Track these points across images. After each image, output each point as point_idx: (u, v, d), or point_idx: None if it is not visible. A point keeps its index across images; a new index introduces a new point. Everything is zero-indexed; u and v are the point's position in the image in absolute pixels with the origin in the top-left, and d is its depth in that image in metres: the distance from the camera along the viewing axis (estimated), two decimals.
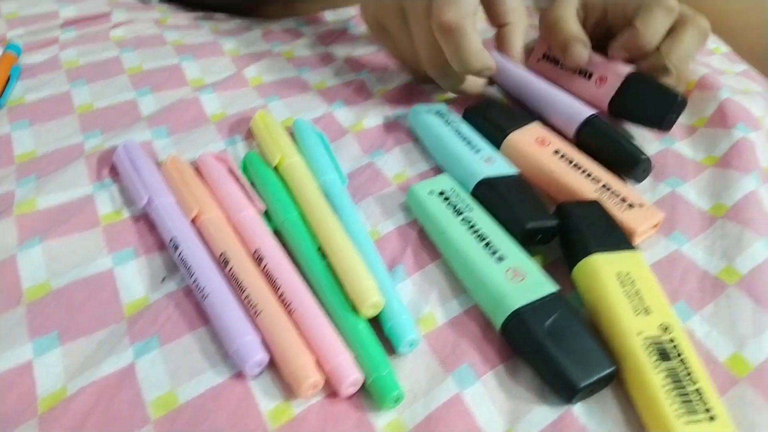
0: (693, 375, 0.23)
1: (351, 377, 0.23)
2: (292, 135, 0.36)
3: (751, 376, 0.25)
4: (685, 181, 0.35)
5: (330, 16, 0.53)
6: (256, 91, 0.40)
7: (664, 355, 0.24)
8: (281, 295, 0.26)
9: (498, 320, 0.26)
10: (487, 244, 0.28)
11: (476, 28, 0.34)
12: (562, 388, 0.24)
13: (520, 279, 0.26)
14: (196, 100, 0.39)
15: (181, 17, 0.50)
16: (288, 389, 0.23)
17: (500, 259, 0.27)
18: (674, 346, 0.24)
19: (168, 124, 0.36)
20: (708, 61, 0.48)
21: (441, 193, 0.31)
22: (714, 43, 0.52)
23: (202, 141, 0.36)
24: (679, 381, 0.23)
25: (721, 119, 0.39)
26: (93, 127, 0.36)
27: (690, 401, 0.22)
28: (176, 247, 0.28)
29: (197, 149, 0.35)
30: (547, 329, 0.24)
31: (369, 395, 0.24)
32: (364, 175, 0.34)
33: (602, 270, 0.27)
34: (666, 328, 0.25)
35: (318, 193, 0.31)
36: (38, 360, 0.24)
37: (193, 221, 0.29)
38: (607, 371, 0.24)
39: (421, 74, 0.40)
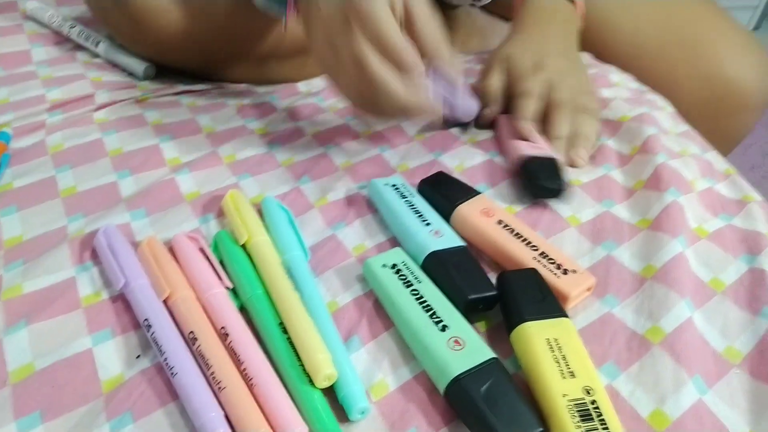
0: None
1: None
2: (261, 212, 0.39)
3: (669, 430, 0.28)
4: (620, 244, 0.38)
5: (303, 87, 0.57)
6: (229, 169, 0.44)
7: (585, 416, 0.26)
8: (244, 369, 0.28)
9: (441, 385, 0.28)
10: (432, 315, 0.31)
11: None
12: None
13: (460, 348, 0.29)
14: (173, 180, 0.42)
15: (162, 94, 0.54)
16: None
17: (444, 328, 0.30)
18: (596, 408, 0.27)
19: (146, 206, 0.39)
20: (656, 117, 0.52)
21: (393, 266, 0.34)
22: (662, 102, 0.56)
23: (177, 220, 0.39)
24: None
25: (655, 183, 0.43)
26: (76, 211, 0.39)
27: None
28: (149, 327, 0.30)
29: (173, 228, 0.38)
30: (483, 394, 0.27)
31: None
32: (326, 247, 0.37)
33: (533, 337, 0.30)
34: (589, 391, 0.27)
35: (281, 270, 0.34)
36: None
37: (165, 302, 0.32)
38: None
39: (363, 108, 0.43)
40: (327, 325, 0.31)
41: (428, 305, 0.32)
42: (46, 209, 0.39)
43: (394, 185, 0.41)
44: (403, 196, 0.40)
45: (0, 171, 0.42)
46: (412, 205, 0.39)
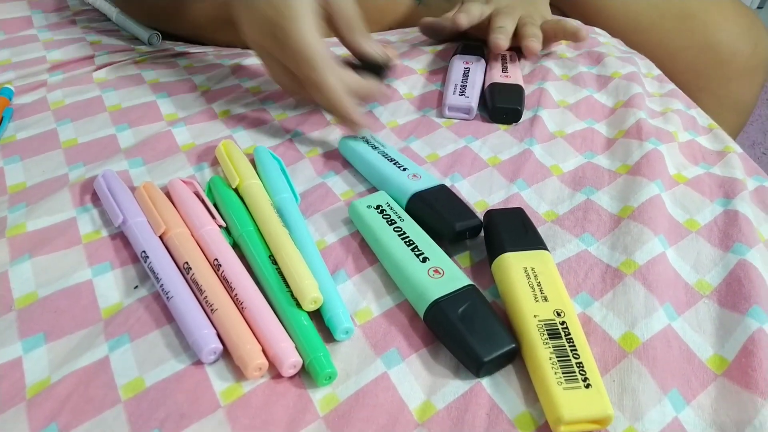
0: (577, 351, 0.27)
1: (290, 359, 0.27)
2: (253, 162, 0.40)
3: (638, 350, 0.29)
4: (599, 189, 0.40)
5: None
6: (223, 123, 0.45)
7: (553, 334, 0.28)
8: (235, 295, 0.30)
9: (421, 309, 0.30)
10: (413, 248, 0.32)
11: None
12: (470, 362, 0.28)
13: (440, 276, 0.31)
14: (169, 133, 0.43)
15: (159, 55, 0.55)
16: (239, 373, 0.28)
17: (424, 260, 0.32)
18: (564, 328, 0.28)
19: (143, 156, 0.41)
20: (642, 82, 0.53)
21: (377, 207, 0.35)
22: (647, 68, 0.57)
23: (173, 168, 0.40)
24: (565, 356, 0.27)
25: (637, 133, 0.44)
26: (77, 160, 0.41)
27: (572, 372, 0.27)
28: (146, 258, 0.32)
29: (169, 176, 0.39)
30: (460, 315, 0.29)
31: (308, 375, 0.28)
32: (316, 193, 0.39)
33: (511, 265, 0.31)
34: (560, 313, 0.29)
35: (271, 209, 0.35)
36: (27, 356, 0.28)
37: (162, 237, 0.33)
38: (508, 348, 0.28)
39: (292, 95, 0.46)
40: (314, 257, 0.33)
41: (410, 240, 0.33)
42: (48, 159, 0.41)
43: (363, 138, 0.42)
44: (375, 147, 0.41)
45: (3, 124, 0.43)
46: (386, 155, 0.40)
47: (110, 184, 0.36)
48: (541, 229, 0.36)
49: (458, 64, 0.52)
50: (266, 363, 0.27)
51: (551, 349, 0.27)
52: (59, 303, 0.31)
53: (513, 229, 0.34)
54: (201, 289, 0.30)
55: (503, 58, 0.54)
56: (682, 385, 0.28)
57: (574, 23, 0.54)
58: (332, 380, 0.28)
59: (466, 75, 0.51)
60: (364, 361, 0.29)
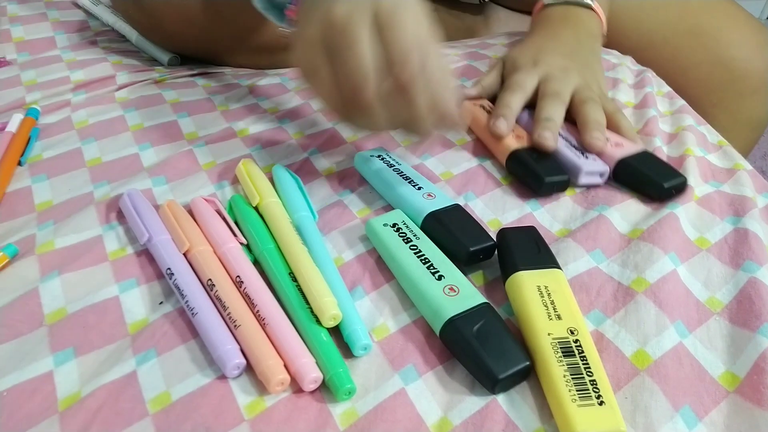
0: (591, 369, 0.28)
1: (311, 375, 0.28)
2: (272, 179, 0.41)
3: (650, 368, 0.30)
4: (611, 206, 0.40)
5: None
6: (242, 142, 0.46)
7: (567, 352, 0.29)
8: (257, 312, 0.31)
9: (437, 327, 0.31)
10: (429, 266, 0.33)
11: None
12: (485, 379, 0.29)
13: (455, 294, 0.32)
14: (191, 152, 0.45)
15: (178, 75, 0.57)
16: (262, 388, 0.29)
17: (440, 278, 0.33)
18: (578, 346, 0.29)
19: (166, 174, 0.42)
20: (655, 102, 0.54)
21: (393, 225, 0.36)
22: (657, 85, 0.58)
23: (194, 186, 0.41)
24: (579, 374, 0.28)
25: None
26: (102, 179, 0.42)
27: (586, 390, 0.27)
28: (171, 275, 0.33)
29: (191, 194, 0.41)
30: (475, 333, 0.30)
31: (328, 390, 0.29)
32: (332, 211, 0.40)
33: (525, 283, 0.32)
34: (573, 332, 0.30)
35: (291, 227, 0.36)
36: (58, 369, 0.29)
37: (185, 254, 0.35)
38: (523, 365, 0.29)
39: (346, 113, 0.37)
40: (333, 274, 0.34)
41: (426, 258, 0.34)
42: (74, 177, 0.42)
43: (379, 155, 0.43)
44: (390, 165, 0.42)
45: (30, 144, 0.45)
46: (401, 173, 0.41)
47: (135, 203, 0.38)
48: (552, 246, 0.37)
49: (528, 122, 0.47)
50: (288, 378, 0.28)
51: (565, 367, 0.28)
52: (87, 318, 0.32)
53: (526, 248, 0.35)
54: (224, 306, 0.31)
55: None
56: (694, 402, 0.28)
57: (629, 125, 0.47)
58: (352, 395, 0.28)
59: (562, 136, 0.45)
60: (382, 377, 0.30)
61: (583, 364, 0.28)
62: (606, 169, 0.43)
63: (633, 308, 0.33)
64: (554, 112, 0.45)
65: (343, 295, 0.32)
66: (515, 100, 0.47)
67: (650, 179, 0.42)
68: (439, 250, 0.35)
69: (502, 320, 0.31)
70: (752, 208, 0.41)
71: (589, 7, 0.57)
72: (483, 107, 0.49)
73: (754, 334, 0.31)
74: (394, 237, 0.35)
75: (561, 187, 0.42)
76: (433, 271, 0.33)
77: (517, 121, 0.47)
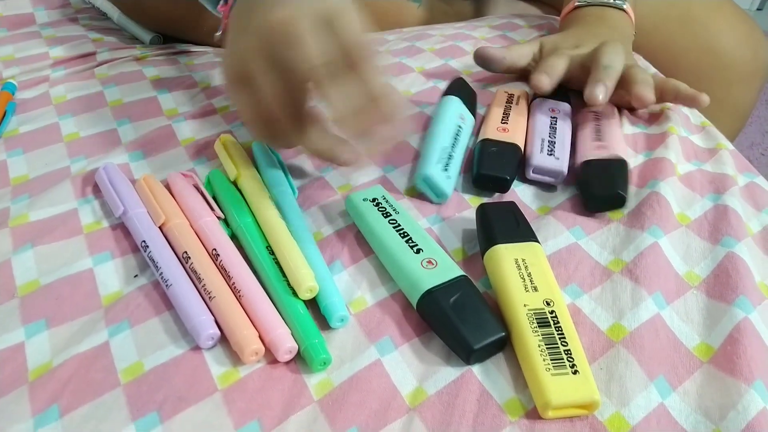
0: (566, 339, 0.28)
1: (286, 345, 0.28)
2: (252, 156, 0.41)
3: (625, 339, 0.30)
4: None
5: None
6: (224, 119, 0.46)
7: (543, 322, 0.29)
8: (233, 284, 0.31)
9: (414, 299, 0.31)
10: (408, 240, 0.33)
11: None
12: (461, 350, 0.29)
13: (433, 266, 0.32)
14: (170, 127, 0.44)
15: (160, 53, 0.56)
16: (237, 359, 0.28)
17: (418, 251, 0.32)
18: (554, 317, 0.29)
19: (144, 149, 0.42)
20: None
21: (373, 200, 0.36)
22: (643, 64, 0.58)
23: (173, 162, 0.41)
24: (554, 344, 0.28)
25: (633, 145, 0.45)
26: (79, 153, 0.41)
27: (560, 359, 0.27)
28: (146, 248, 0.33)
29: (169, 169, 0.40)
30: (451, 304, 0.29)
31: (303, 361, 0.28)
32: (314, 186, 0.40)
33: (503, 257, 0.32)
34: (549, 303, 0.30)
35: (269, 201, 0.36)
36: (29, 341, 0.29)
37: (161, 228, 0.34)
38: (498, 336, 0.29)
39: (272, 131, 0.35)
40: (311, 247, 0.33)
41: (405, 232, 0.34)
42: (50, 152, 0.42)
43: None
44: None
45: (6, 118, 0.44)
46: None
47: (111, 177, 0.37)
48: (533, 222, 0.37)
49: (543, 113, 0.45)
50: (263, 348, 0.28)
51: (540, 337, 0.28)
52: (61, 290, 0.31)
53: (505, 222, 0.35)
54: (200, 278, 0.31)
55: (596, 116, 0.45)
56: (668, 372, 0.29)
57: (686, 87, 0.47)
58: (327, 366, 0.28)
59: (553, 128, 0.43)
60: (359, 348, 0.29)
61: (558, 334, 0.28)
62: (560, 170, 0.40)
63: (609, 287, 0.33)
64: (615, 61, 0.43)
65: (321, 268, 0.32)
66: (560, 63, 0.46)
67: (586, 186, 0.39)
68: (418, 224, 0.35)
69: (479, 293, 0.31)
70: (732, 185, 0.41)
71: (621, 8, 0.56)
72: (511, 95, 0.47)
73: (729, 307, 0.31)
74: (374, 211, 0.35)
75: (499, 185, 0.39)
76: (411, 244, 0.33)
77: (530, 109, 0.46)
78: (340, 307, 0.30)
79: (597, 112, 0.46)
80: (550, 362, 0.27)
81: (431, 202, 0.38)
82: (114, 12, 0.62)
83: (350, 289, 0.33)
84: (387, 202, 0.36)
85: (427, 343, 0.30)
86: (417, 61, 0.56)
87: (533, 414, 0.27)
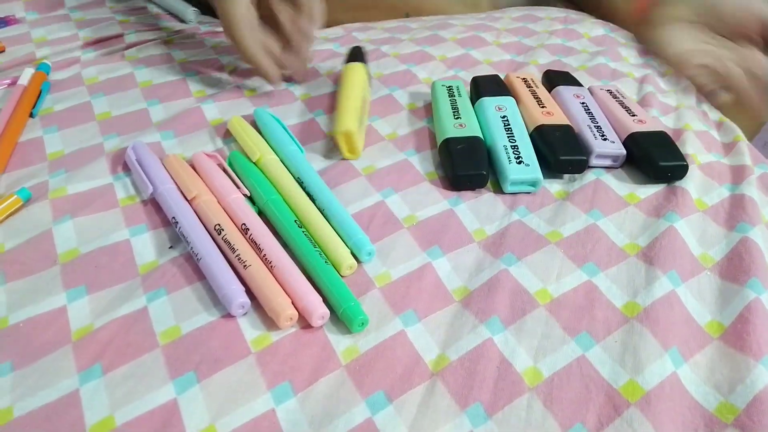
0: None
1: (320, 310, 0.29)
2: (254, 123, 0.43)
3: (640, 315, 0.31)
4: (607, 172, 0.41)
5: (321, 34, 0.61)
6: (250, 101, 0.47)
7: None
8: (264, 256, 0.32)
9: (439, 142, 0.42)
10: (455, 113, 0.44)
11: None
12: (450, 176, 0.39)
13: (463, 128, 0.42)
14: (199, 108, 0.45)
15: (186, 35, 0.58)
16: (268, 324, 0.30)
17: (457, 117, 0.44)
18: None
19: (174, 129, 0.43)
20: (657, 79, 0.55)
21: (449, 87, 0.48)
22: (663, 66, 0.59)
23: (202, 141, 0.42)
24: None
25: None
26: (111, 131, 0.43)
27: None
28: (177, 224, 0.34)
29: (199, 148, 0.42)
30: (458, 149, 0.40)
31: (339, 325, 0.30)
32: (337, 168, 0.41)
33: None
34: None
35: (294, 181, 0.37)
36: (71, 305, 0.31)
37: (191, 203, 0.36)
38: (479, 172, 0.38)
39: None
40: (340, 209, 0.36)
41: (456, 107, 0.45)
42: (84, 130, 0.43)
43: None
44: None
45: (42, 97, 0.46)
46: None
47: (139, 156, 0.38)
48: (552, 207, 0.38)
49: (571, 100, 0.46)
50: (296, 314, 0.29)
51: None
52: (99, 259, 0.33)
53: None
54: (233, 248, 0.32)
55: (613, 95, 0.47)
56: (681, 345, 0.30)
57: None
58: (365, 327, 0.30)
59: (589, 113, 0.45)
60: (384, 319, 0.31)
61: None
62: (622, 153, 0.41)
63: (624, 268, 0.34)
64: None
65: (341, 213, 0.35)
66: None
67: (649, 156, 0.40)
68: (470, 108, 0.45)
69: (484, 146, 0.41)
70: (750, 175, 0.42)
71: None
72: (525, 80, 0.48)
73: (742, 288, 0.33)
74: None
75: (577, 167, 0.41)
76: (456, 116, 0.43)
77: (555, 97, 0.47)
78: (366, 242, 0.34)
79: (611, 90, 0.48)
80: None
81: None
82: None
83: (375, 266, 0.34)
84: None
85: (452, 315, 0.31)
86: (439, 50, 0.57)
87: (549, 382, 0.28)
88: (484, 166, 0.39)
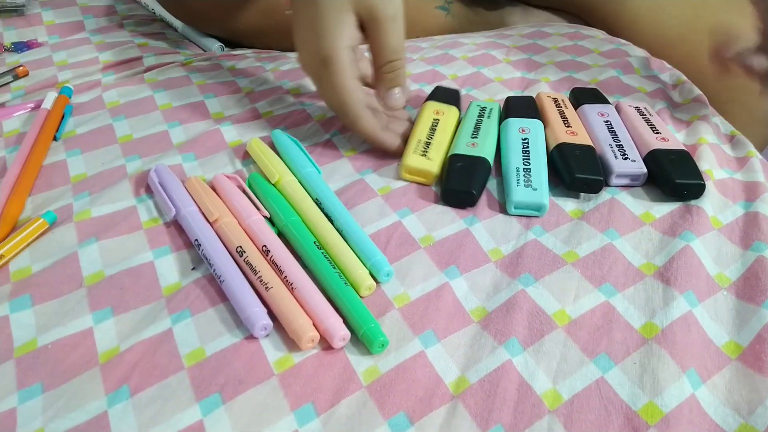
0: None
1: (341, 332, 0.30)
2: (271, 144, 0.44)
3: (657, 336, 0.31)
4: (623, 190, 0.42)
5: None
6: (267, 123, 0.48)
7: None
8: (285, 277, 0.33)
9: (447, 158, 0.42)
10: (474, 133, 0.45)
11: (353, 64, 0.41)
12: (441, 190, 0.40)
13: (474, 147, 0.43)
14: (218, 131, 0.46)
15: (203, 58, 0.59)
16: (290, 345, 0.30)
17: (474, 137, 0.44)
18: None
19: (195, 150, 0.44)
20: (669, 96, 0.55)
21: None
22: (675, 77, 0.59)
23: (222, 163, 0.43)
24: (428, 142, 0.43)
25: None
26: (133, 153, 0.44)
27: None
28: (199, 246, 0.35)
29: (220, 170, 0.42)
30: (458, 166, 0.41)
31: (360, 346, 0.31)
32: (354, 189, 0.42)
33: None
34: None
35: (312, 203, 0.38)
36: (97, 327, 0.31)
37: (212, 225, 0.36)
38: (465, 189, 0.39)
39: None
40: (358, 230, 0.37)
41: (476, 128, 0.46)
42: (106, 152, 0.44)
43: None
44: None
45: (65, 120, 0.47)
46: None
47: (162, 178, 0.39)
48: (567, 227, 0.39)
49: (595, 119, 0.47)
50: (318, 335, 0.30)
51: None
52: (124, 281, 0.34)
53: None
54: (255, 270, 0.33)
55: (640, 112, 0.48)
56: (698, 366, 0.30)
57: None
58: (384, 348, 0.30)
59: (612, 131, 0.45)
60: (403, 339, 0.31)
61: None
62: (642, 172, 0.41)
63: (642, 288, 0.34)
64: None
65: (359, 233, 0.36)
66: None
67: (666, 173, 0.41)
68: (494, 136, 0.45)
69: (488, 167, 0.42)
70: (764, 192, 0.42)
71: None
72: (556, 100, 0.49)
73: (758, 308, 0.33)
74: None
75: (593, 186, 0.41)
76: (473, 136, 0.44)
77: (579, 116, 0.48)
78: (384, 263, 0.34)
79: (639, 107, 0.49)
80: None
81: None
82: (178, 23, 0.66)
83: (394, 286, 0.34)
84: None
85: (470, 336, 0.32)
86: (450, 69, 0.58)
87: (569, 405, 0.28)
88: (476, 186, 0.40)
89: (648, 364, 0.30)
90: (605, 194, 0.42)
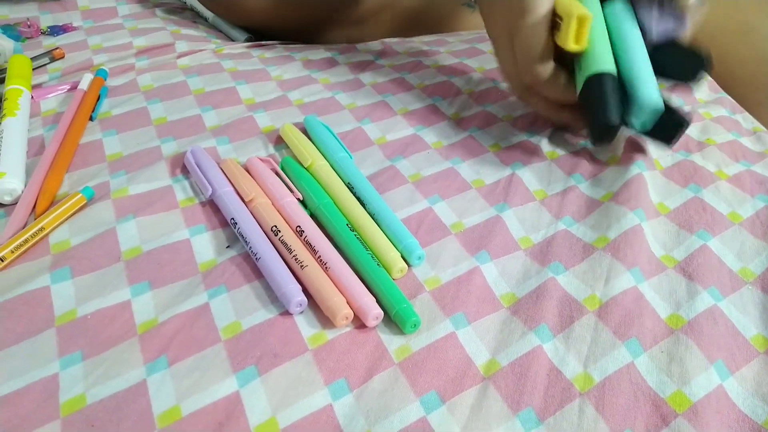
0: None
1: (374, 311, 0.30)
2: (304, 130, 0.45)
3: (684, 328, 0.32)
4: (586, 180, 0.43)
5: (361, 47, 0.62)
6: (299, 110, 0.49)
7: None
8: (319, 257, 0.33)
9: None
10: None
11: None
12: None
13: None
14: (251, 117, 0.47)
15: (234, 47, 0.60)
16: (324, 322, 0.31)
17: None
18: None
19: (228, 134, 0.45)
20: (692, 91, 0.55)
21: None
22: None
23: (256, 147, 0.44)
24: None
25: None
26: (167, 135, 0.45)
27: None
28: (235, 224, 0.36)
29: (253, 153, 0.43)
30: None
31: (391, 326, 0.31)
32: (385, 175, 0.42)
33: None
34: None
35: (344, 186, 0.39)
36: (135, 299, 0.32)
37: (247, 205, 0.37)
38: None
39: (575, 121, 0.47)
40: (390, 215, 0.37)
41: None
42: (141, 133, 0.45)
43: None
44: None
45: (100, 101, 0.48)
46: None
47: (198, 159, 0.40)
48: (598, 210, 0.39)
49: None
50: (352, 313, 0.31)
51: None
52: (161, 257, 0.34)
53: None
54: (290, 249, 0.33)
55: None
56: (726, 358, 0.30)
57: None
58: (417, 328, 0.31)
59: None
60: (434, 320, 0.32)
61: None
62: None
63: (665, 279, 0.35)
64: None
65: (390, 217, 0.37)
66: None
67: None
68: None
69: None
70: None
71: None
72: None
73: None
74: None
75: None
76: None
77: None
78: (416, 246, 0.35)
79: None
80: None
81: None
82: (208, 14, 0.67)
83: (424, 269, 0.35)
84: None
85: (501, 321, 0.32)
86: (477, 62, 0.58)
87: (600, 387, 0.29)
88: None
89: (675, 353, 0.30)
90: (633, 168, 0.42)
